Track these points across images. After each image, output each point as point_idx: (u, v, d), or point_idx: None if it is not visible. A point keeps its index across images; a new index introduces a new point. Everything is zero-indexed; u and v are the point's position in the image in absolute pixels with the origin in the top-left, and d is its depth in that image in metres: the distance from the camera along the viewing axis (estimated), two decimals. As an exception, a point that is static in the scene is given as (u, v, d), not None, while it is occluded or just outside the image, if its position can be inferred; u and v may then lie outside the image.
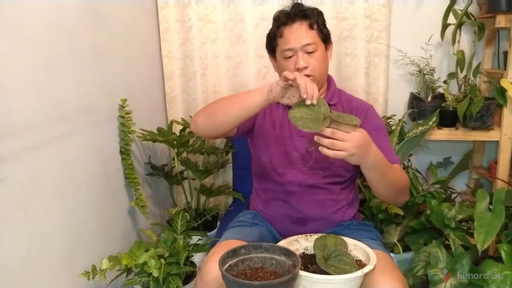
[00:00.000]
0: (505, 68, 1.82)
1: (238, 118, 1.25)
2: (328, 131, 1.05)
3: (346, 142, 1.04)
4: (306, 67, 1.31)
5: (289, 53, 1.33)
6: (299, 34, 1.32)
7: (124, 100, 1.66)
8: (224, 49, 2.13)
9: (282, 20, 1.35)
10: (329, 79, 1.45)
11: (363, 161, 1.11)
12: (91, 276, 1.33)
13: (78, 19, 1.43)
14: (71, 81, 1.38)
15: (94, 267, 1.35)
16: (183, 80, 2.17)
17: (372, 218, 1.79)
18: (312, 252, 1.24)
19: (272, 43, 1.39)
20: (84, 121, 1.44)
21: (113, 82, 1.65)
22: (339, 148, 1.04)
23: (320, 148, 1.05)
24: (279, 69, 1.39)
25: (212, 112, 1.30)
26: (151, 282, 1.41)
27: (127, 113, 1.66)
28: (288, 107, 1.37)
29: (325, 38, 1.37)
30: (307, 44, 1.31)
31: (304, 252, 1.26)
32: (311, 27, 1.33)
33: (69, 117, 1.36)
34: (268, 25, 2.02)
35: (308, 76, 1.29)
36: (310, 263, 1.19)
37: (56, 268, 1.29)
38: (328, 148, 1.05)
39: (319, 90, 1.37)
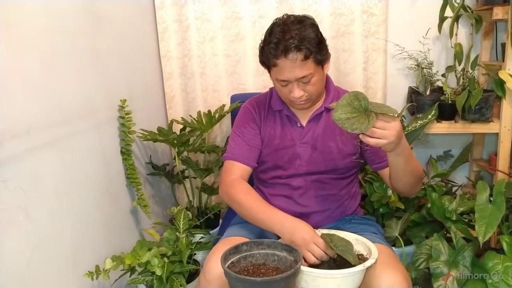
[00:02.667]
0: (503, 60, 1.82)
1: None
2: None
3: (386, 131, 1.04)
4: (301, 96, 1.27)
5: (284, 83, 1.27)
6: (292, 68, 1.22)
7: (124, 101, 1.66)
8: (222, 48, 2.13)
9: (274, 53, 1.22)
10: (327, 82, 1.40)
11: (397, 148, 1.11)
12: (95, 276, 1.34)
13: (77, 20, 1.44)
14: (72, 83, 1.38)
15: (97, 267, 1.36)
16: (182, 79, 2.18)
17: (373, 213, 1.79)
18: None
19: (264, 65, 1.30)
20: (84, 123, 1.45)
21: (112, 83, 1.65)
22: (380, 136, 1.05)
23: (361, 136, 1.06)
24: (276, 88, 1.35)
25: (236, 209, 1.34)
26: (155, 281, 1.41)
27: (127, 114, 1.66)
28: (287, 117, 1.39)
29: (322, 61, 1.26)
30: (303, 77, 1.24)
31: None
32: (305, 58, 1.21)
33: (70, 119, 1.36)
34: (265, 22, 2.05)
35: (304, 100, 1.29)
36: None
37: (60, 268, 1.30)
38: (369, 136, 1.05)
39: (318, 101, 1.38)
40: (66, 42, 1.36)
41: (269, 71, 1.31)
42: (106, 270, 1.36)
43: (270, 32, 1.26)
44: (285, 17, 1.27)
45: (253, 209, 1.28)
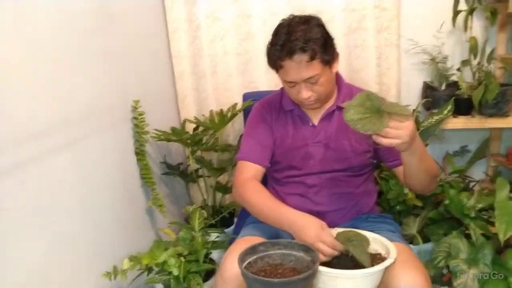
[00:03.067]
0: (520, 53, 1.79)
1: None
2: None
3: (400, 131, 1.03)
4: (309, 97, 1.27)
5: (291, 84, 1.27)
6: (298, 69, 1.21)
7: (137, 101, 1.67)
8: (233, 46, 2.12)
9: (279, 54, 1.21)
10: (338, 79, 1.40)
11: (410, 147, 1.10)
12: (112, 277, 1.35)
13: (89, 20, 1.44)
14: (85, 83, 1.39)
15: (115, 267, 1.37)
16: (194, 78, 2.17)
17: (389, 210, 1.77)
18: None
19: (273, 65, 1.28)
20: (99, 123, 1.45)
21: (125, 84, 1.65)
22: (393, 136, 1.04)
23: (374, 136, 1.04)
24: (284, 89, 1.35)
25: (248, 209, 1.34)
26: (172, 281, 1.42)
27: (140, 114, 1.67)
28: (299, 117, 1.38)
29: (329, 61, 1.25)
30: (309, 78, 1.23)
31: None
32: (311, 59, 1.20)
33: (84, 119, 1.37)
34: (277, 19, 1.99)
35: (313, 100, 1.29)
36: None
37: (77, 269, 1.31)
38: (382, 136, 1.04)
39: (328, 100, 1.36)
40: (79, 41, 1.37)
41: (277, 72, 1.30)
42: (124, 270, 1.37)
43: (275, 33, 1.26)
44: (291, 17, 1.27)
45: (264, 208, 1.28)
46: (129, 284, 1.48)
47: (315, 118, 1.38)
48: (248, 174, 1.36)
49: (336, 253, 1.13)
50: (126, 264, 1.37)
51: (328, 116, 1.37)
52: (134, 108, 1.67)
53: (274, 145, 1.40)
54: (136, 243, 1.64)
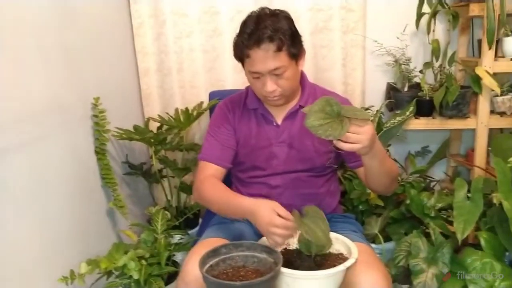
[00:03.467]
0: (479, 56, 1.84)
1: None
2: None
3: (360, 135, 1.04)
4: (274, 90, 1.25)
5: (256, 75, 1.25)
6: (265, 59, 1.20)
7: (97, 99, 1.61)
8: (200, 43, 2.09)
9: (246, 42, 1.20)
10: (302, 78, 1.39)
11: (371, 151, 1.11)
12: (69, 281, 1.30)
13: (46, 15, 1.38)
14: (40, 80, 1.33)
15: (72, 271, 1.32)
16: (159, 75, 2.13)
17: (352, 210, 1.80)
18: (295, 247, 1.23)
19: (239, 56, 1.27)
20: (54, 121, 1.39)
21: (85, 80, 1.60)
22: (354, 141, 1.04)
23: (335, 142, 1.04)
24: (249, 83, 1.33)
25: (208, 206, 1.34)
26: (132, 284, 1.38)
27: (100, 112, 1.61)
28: (263, 116, 1.37)
29: (296, 54, 1.25)
30: (275, 69, 1.21)
31: (286, 248, 1.24)
32: (278, 50, 1.19)
33: (39, 118, 1.31)
34: (243, 17, 2.00)
35: (278, 95, 1.27)
36: (293, 258, 1.18)
37: (33, 273, 1.25)
38: (343, 141, 1.04)
39: (292, 98, 1.36)
40: (34, 37, 1.31)
41: (243, 65, 1.29)
42: (81, 275, 1.32)
43: (244, 23, 1.25)
44: (260, 9, 1.26)
45: (221, 202, 1.26)
46: (88, 289, 1.44)
47: (279, 118, 1.37)
48: (208, 173, 1.34)
49: (290, 234, 1.10)
50: (83, 268, 1.32)
51: (291, 116, 1.36)
52: (95, 106, 1.61)
53: (238, 145, 1.39)
54: (96, 246, 1.58)
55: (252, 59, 1.22)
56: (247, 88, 1.43)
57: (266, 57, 1.20)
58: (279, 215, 1.10)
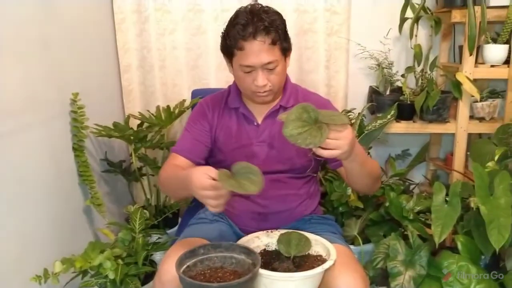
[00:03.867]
0: (460, 62, 1.87)
1: (183, 197, 1.30)
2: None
3: (340, 141, 1.02)
4: (265, 85, 1.24)
5: (248, 69, 1.24)
6: (260, 52, 1.19)
7: (76, 94, 1.58)
8: (183, 41, 2.07)
9: (242, 33, 1.19)
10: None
11: (351, 155, 1.10)
12: (43, 280, 1.26)
13: (25, 8, 1.34)
14: (18, 75, 1.29)
15: (46, 270, 1.28)
16: (141, 72, 2.10)
17: (332, 211, 1.80)
18: (274, 248, 1.22)
19: (229, 49, 1.25)
20: (31, 117, 1.36)
21: (64, 75, 1.56)
22: (334, 147, 1.03)
23: (314, 149, 1.03)
24: (236, 78, 1.31)
25: (166, 191, 1.35)
26: (108, 284, 1.36)
27: (79, 108, 1.58)
28: (243, 115, 1.35)
29: (286, 50, 1.26)
30: (269, 63, 1.21)
31: (265, 249, 1.24)
32: (273, 43, 1.20)
33: (15, 113, 1.27)
34: (228, 16, 1.96)
35: (267, 91, 1.26)
36: (271, 259, 1.18)
37: (5, 273, 1.22)
38: (323, 148, 1.03)
39: (278, 96, 1.36)
40: (11, 30, 1.27)
41: (232, 59, 1.26)
42: (56, 274, 1.29)
43: (235, 16, 1.23)
44: (251, 5, 1.26)
45: (172, 178, 1.23)
46: (62, 288, 1.40)
47: (259, 117, 1.36)
48: (173, 163, 1.32)
49: (221, 194, 1.04)
50: (58, 266, 1.29)
51: (272, 115, 1.36)
52: (73, 101, 1.58)
53: (217, 143, 1.38)
54: (72, 245, 1.55)
55: (246, 52, 1.20)
56: (229, 87, 1.42)
57: (261, 50, 1.19)
58: (212, 178, 1.04)
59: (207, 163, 1.38)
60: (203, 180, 1.03)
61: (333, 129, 1.01)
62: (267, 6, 1.26)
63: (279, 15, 1.25)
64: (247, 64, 1.22)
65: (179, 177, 1.17)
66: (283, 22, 1.25)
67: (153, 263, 1.62)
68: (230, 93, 1.40)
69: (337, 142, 1.02)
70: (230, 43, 1.23)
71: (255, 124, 1.36)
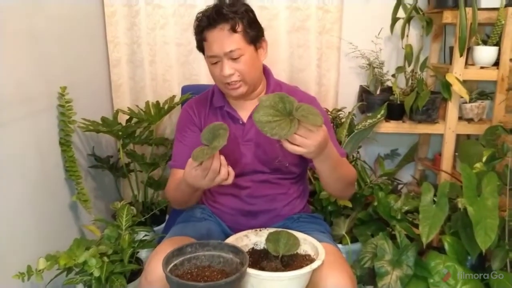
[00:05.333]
0: (450, 63, 1.88)
1: (197, 195, 1.29)
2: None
3: (307, 140, 1.01)
4: (231, 74, 1.24)
5: (214, 59, 1.25)
6: (221, 40, 1.21)
7: (64, 88, 1.55)
8: (174, 36, 2.05)
9: (203, 23, 1.23)
10: (267, 75, 1.39)
11: (318, 157, 1.09)
12: (26, 278, 1.24)
13: (13, 0, 1.31)
14: (5, 68, 1.27)
15: (29, 267, 1.26)
16: (130, 67, 2.08)
17: (321, 210, 1.80)
18: (262, 247, 1.22)
19: (199, 44, 1.29)
20: (17, 111, 1.33)
21: (51, 69, 1.53)
22: (299, 144, 1.01)
23: (282, 140, 1.01)
24: (210, 73, 1.32)
25: (179, 204, 1.36)
26: (93, 281, 1.34)
27: (67, 102, 1.55)
28: (228, 114, 1.35)
29: (253, 39, 1.26)
30: (230, 51, 1.22)
31: (253, 248, 1.23)
32: (233, 31, 1.21)
33: (1, 106, 1.25)
34: (220, 12, 1.99)
35: (237, 81, 1.26)
36: (260, 258, 1.17)
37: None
38: (289, 142, 1.01)
39: (255, 91, 1.35)
40: (-2, 22, 1.24)
41: (204, 53, 1.29)
42: (39, 271, 1.27)
43: (204, 11, 1.27)
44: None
45: (177, 193, 1.29)
46: (46, 285, 1.38)
47: (244, 116, 1.35)
48: (178, 178, 1.31)
49: (215, 168, 1.08)
50: (42, 263, 1.26)
51: None
52: (61, 95, 1.55)
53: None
54: (57, 241, 1.52)
55: (209, 42, 1.24)
56: (213, 86, 1.41)
57: (222, 37, 1.21)
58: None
59: None
60: (193, 173, 1.10)
61: (305, 126, 0.99)
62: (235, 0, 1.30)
63: (245, 5, 1.27)
64: (211, 54, 1.24)
65: (181, 187, 1.23)
66: (248, 10, 1.26)
67: (139, 261, 1.60)
68: (214, 93, 1.39)
69: (304, 141, 1.01)
70: (197, 37, 1.28)
71: (241, 123, 1.35)
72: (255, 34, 1.26)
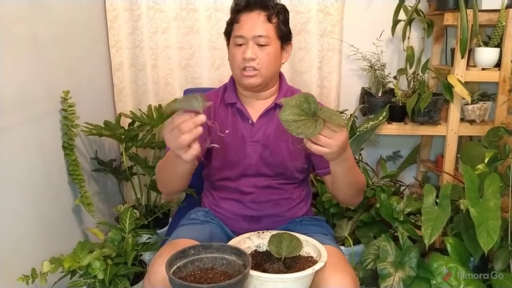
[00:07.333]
0: (452, 65, 1.88)
1: (184, 177, 1.23)
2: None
3: (331, 140, 1.01)
4: (253, 59, 1.26)
5: (240, 41, 1.27)
6: (254, 24, 1.26)
7: (67, 92, 1.56)
8: (176, 40, 2.06)
9: (241, 5, 1.29)
10: (280, 78, 1.40)
11: (338, 158, 1.09)
12: (30, 280, 1.25)
13: (15, 4, 1.32)
14: (8, 72, 1.27)
15: (34, 270, 1.27)
16: (132, 71, 2.09)
17: (324, 212, 1.80)
18: (265, 249, 1.22)
19: (229, 27, 1.34)
20: (20, 115, 1.34)
21: (54, 73, 1.54)
22: (323, 144, 1.01)
23: (305, 140, 1.02)
24: (230, 58, 1.33)
25: (162, 184, 1.32)
26: (97, 284, 1.34)
27: (70, 106, 1.56)
28: (239, 112, 1.35)
29: (283, 36, 1.31)
30: (260, 36, 1.25)
31: (256, 250, 1.23)
32: (269, 20, 1.27)
33: (5, 110, 1.25)
34: (221, 15, 2.00)
35: (254, 69, 1.26)
36: (262, 260, 1.17)
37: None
38: (313, 142, 1.01)
39: (267, 89, 1.35)
40: (2, 27, 1.25)
41: (230, 37, 1.32)
42: (44, 274, 1.27)
43: None
44: None
45: (161, 166, 1.27)
46: (50, 288, 1.39)
47: (255, 116, 1.36)
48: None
49: (177, 122, 0.99)
50: (46, 266, 1.27)
51: (267, 114, 1.35)
52: (64, 99, 1.56)
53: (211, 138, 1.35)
54: (61, 244, 1.53)
55: (241, 23, 1.28)
56: (225, 84, 1.42)
57: (255, 23, 1.26)
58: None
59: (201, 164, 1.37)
60: (167, 132, 1.01)
61: (328, 127, 1.00)
62: None
63: (284, 5, 1.33)
64: (239, 34, 1.27)
65: (168, 162, 1.20)
66: (285, 10, 1.33)
67: (142, 263, 1.61)
68: (226, 89, 1.40)
69: (328, 141, 1.01)
70: (230, 18, 1.32)
71: (250, 122, 1.35)
72: (285, 32, 1.32)
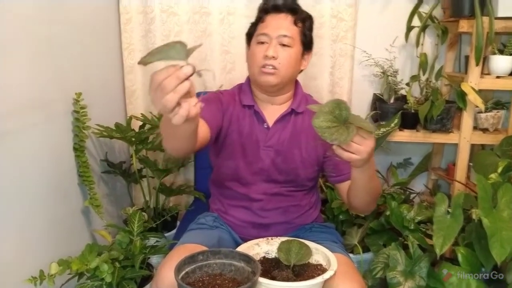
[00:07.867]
0: (466, 72, 1.86)
1: (186, 138, 1.03)
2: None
3: (361, 147, 1.00)
4: (274, 57, 1.25)
5: (263, 38, 1.27)
6: (280, 24, 1.28)
7: (79, 94, 1.57)
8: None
9: (269, 7, 1.31)
10: (296, 85, 1.40)
11: (365, 165, 1.08)
12: (38, 282, 1.25)
13: (32, 7, 1.33)
14: (21, 73, 1.28)
15: (42, 272, 1.27)
16: (144, 73, 2.09)
17: (333, 219, 1.79)
18: (274, 256, 1.21)
19: (253, 28, 1.34)
20: (34, 116, 1.34)
21: (67, 75, 1.55)
22: (353, 151, 1.00)
23: (335, 147, 1.01)
24: (249, 56, 1.33)
25: (167, 142, 1.09)
26: (104, 287, 1.34)
27: (82, 108, 1.57)
28: (256, 115, 1.34)
29: (306, 42, 1.32)
30: (284, 36, 1.26)
31: (265, 256, 1.22)
32: (295, 23, 1.29)
33: (18, 112, 1.26)
34: (234, 19, 2.00)
35: (274, 68, 1.25)
36: (271, 267, 1.16)
37: (1, 274, 1.20)
38: (343, 149, 1.00)
39: (283, 94, 1.35)
40: (19, 29, 1.26)
41: (251, 39, 1.33)
42: (52, 275, 1.27)
43: None
44: None
45: (163, 121, 1.01)
46: (58, 290, 1.39)
47: (271, 120, 1.35)
48: None
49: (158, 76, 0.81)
50: (54, 268, 1.27)
51: (283, 119, 1.34)
52: (76, 101, 1.57)
53: (226, 138, 1.34)
54: (69, 246, 1.53)
55: (266, 23, 1.30)
56: (239, 85, 1.41)
57: (281, 22, 1.28)
58: None
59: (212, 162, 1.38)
60: (152, 92, 0.83)
61: (359, 133, 0.99)
62: None
63: (310, 14, 1.37)
64: (263, 32, 1.28)
65: (164, 123, 1.01)
66: (311, 18, 1.36)
67: (150, 267, 1.61)
68: (241, 91, 1.39)
69: (359, 148, 1.00)
70: (256, 18, 1.34)
71: (265, 126, 1.34)
72: (309, 39, 1.34)
